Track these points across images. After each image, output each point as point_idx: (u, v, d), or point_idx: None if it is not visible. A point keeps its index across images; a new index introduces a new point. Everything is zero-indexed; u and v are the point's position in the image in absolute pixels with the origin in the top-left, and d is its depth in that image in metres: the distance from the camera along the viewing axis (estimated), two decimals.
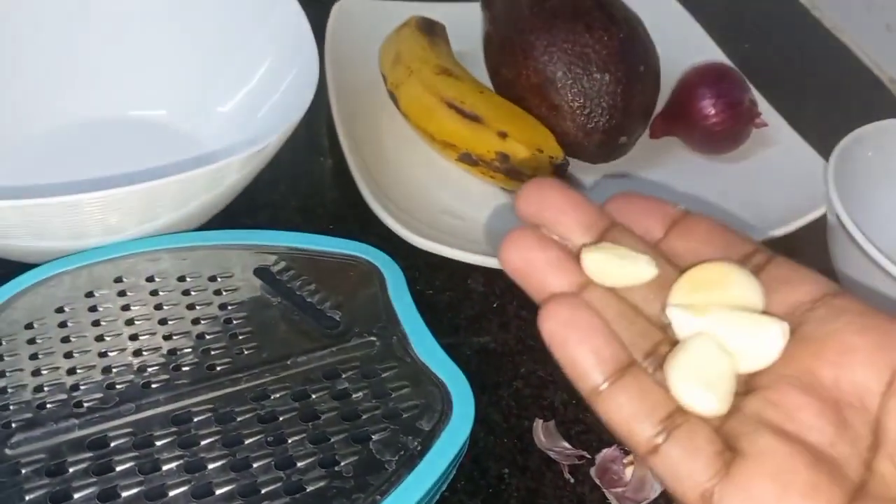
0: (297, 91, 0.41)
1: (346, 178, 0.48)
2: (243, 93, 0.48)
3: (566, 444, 0.37)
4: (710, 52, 0.60)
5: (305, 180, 0.51)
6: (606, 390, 0.21)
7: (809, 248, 0.49)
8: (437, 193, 0.49)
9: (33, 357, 0.33)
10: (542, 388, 0.40)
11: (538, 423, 0.38)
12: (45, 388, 0.32)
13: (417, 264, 0.45)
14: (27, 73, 0.49)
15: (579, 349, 0.22)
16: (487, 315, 0.44)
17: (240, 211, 0.47)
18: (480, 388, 0.40)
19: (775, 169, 0.53)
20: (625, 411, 0.21)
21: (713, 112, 0.51)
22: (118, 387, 0.32)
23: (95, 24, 0.49)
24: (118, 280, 0.37)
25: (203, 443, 0.31)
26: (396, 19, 0.56)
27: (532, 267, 0.22)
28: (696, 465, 0.20)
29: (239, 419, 0.32)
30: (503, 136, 0.47)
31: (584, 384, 0.22)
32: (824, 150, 0.52)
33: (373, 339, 0.36)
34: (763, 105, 0.54)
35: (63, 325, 0.34)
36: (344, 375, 0.34)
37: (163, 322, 0.35)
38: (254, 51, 0.47)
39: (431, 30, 0.54)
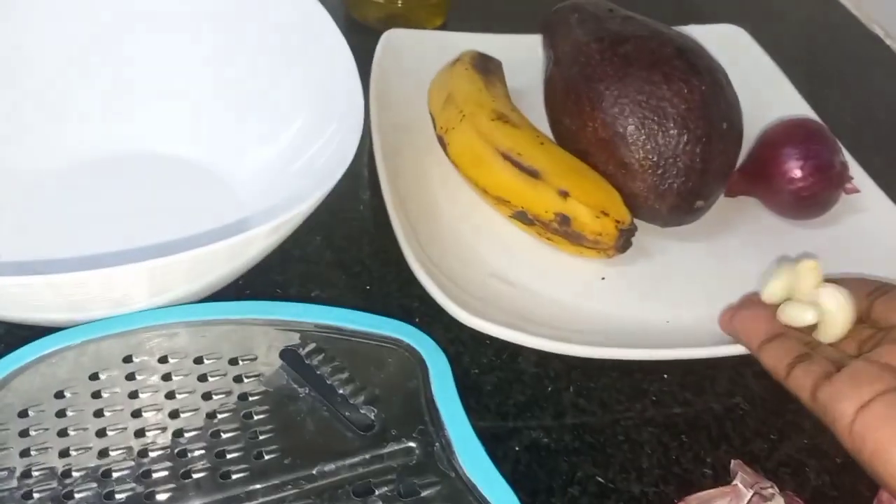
0: (338, 146, 0.37)
1: (387, 226, 0.43)
2: (280, 138, 0.43)
3: None
4: (792, 100, 0.55)
5: (342, 230, 0.46)
6: (764, 347, 0.36)
7: None
8: (487, 253, 0.44)
9: (24, 454, 0.29)
10: (602, 497, 0.35)
11: None
12: (35, 495, 0.28)
13: (462, 336, 0.41)
14: (58, 105, 0.45)
15: (746, 327, 0.38)
16: (540, 402, 0.39)
17: (270, 264, 0.42)
18: (530, 493, 0.35)
19: (866, 239, 0.47)
20: (772, 355, 0.35)
21: (800, 175, 0.45)
22: (118, 496, 0.28)
23: (125, 54, 0.46)
24: (127, 360, 0.32)
25: None
26: (448, 51, 0.52)
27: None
28: (808, 378, 0.33)
29: None
30: (564, 195, 0.42)
31: (751, 344, 0.37)
32: None
33: (412, 444, 0.31)
34: (852, 166, 0.49)
35: (62, 414, 0.30)
36: (378, 492, 0.29)
37: (174, 415, 0.31)
38: (295, 95, 0.43)
39: (487, 68, 0.50)
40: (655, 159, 0.42)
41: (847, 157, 0.48)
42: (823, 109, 0.54)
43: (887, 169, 0.51)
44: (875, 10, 0.69)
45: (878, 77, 0.65)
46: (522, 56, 0.55)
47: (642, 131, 0.42)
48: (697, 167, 0.42)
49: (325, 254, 0.45)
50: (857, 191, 0.46)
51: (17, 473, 0.28)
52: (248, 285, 0.41)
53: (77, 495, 0.28)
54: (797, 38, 0.68)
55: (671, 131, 0.42)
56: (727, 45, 0.55)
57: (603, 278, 0.44)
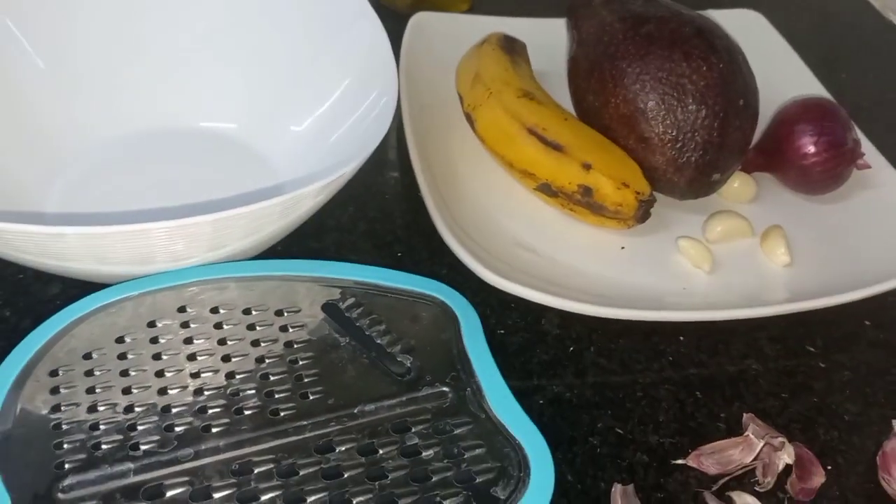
0: (376, 116, 0.39)
1: (417, 200, 0.45)
2: (317, 114, 0.46)
3: None
4: (807, 83, 0.56)
5: (375, 202, 0.49)
6: None
7: None
8: (513, 224, 0.47)
9: (90, 391, 0.32)
10: (622, 447, 0.37)
11: (616, 488, 0.35)
12: (101, 427, 0.30)
13: (489, 300, 0.43)
14: (101, 79, 0.48)
15: None
16: (562, 361, 0.41)
17: (307, 233, 0.45)
18: (554, 443, 0.37)
19: (878, 214, 0.49)
20: None
21: (813, 151, 0.47)
22: (177, 429, 0.31)
23: (170, 33, 0.48)
24: (182, 310, 0.35)
25: (263, 498, 0.29)
26: (474, 34, 0.54)
27: None
28: None
29: (301, 473, 0.30)
30: (587, 167, 0.44)
31: None
32: None
33: (445, 389, 0.33)
34: (865, 144, 0.50)
35: (122, 356, 0.33)
36: (414, 430, 0.32)
37: (226, 359, 0.33)
38: (331, 72, 0.45)
39: (512, 48, 0.52)
40: (674, 134, 0.44)
41: (860, 135, 0.50)
42: (838, 91, 0.56)
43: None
44: None
45: (893, 61, 0.66)
46: (545, 39, 0.56)
47: (662, 107, 0.44)
48: (715, 142, 0.44)
49: (359, 224, 0.47)
50: (868, 166, 0.48)
51: (84, 408, 0.31)
52: (287, 252, 0.44)
53: (140, 427, 0.31)
54: (814, 24, 0.70)
55: (690, 107, 0.44)
56: (745, 28, 0.57)
57: (623, 248, 0.46)
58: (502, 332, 0.42)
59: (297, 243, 0.44)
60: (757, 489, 0.36)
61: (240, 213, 0.31)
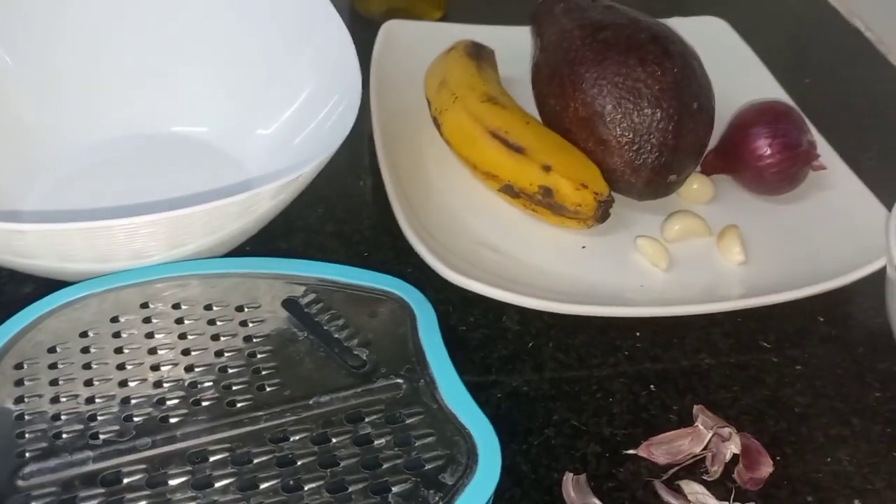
0: (338, 119, 0.40)
1: (385, 202, 0.47)
2: (284, 116, 0.47)
3: (597, 501, 0.36)
4: (769, 87, 0.58)
5: (343, 203, 0.50)
6: None
7: (864, 300, 0.46)
8: (476, 224, 0.48)
9: (53, 383, 0.33)
10: (575, 438, 0.39)
11: (568, 477, 0.36)
12: (63, 417, 0.31)
13: (451, 298, 0.44)
14: (72, 85, 0.49)
15: None
16: (521, 356, 0.42)
17: (275, 233, 0.46)
18: (509, 434, 0.38)
19: (832, 214, 0.50)
20: None
21: (768, 153, 0.48)
22: (136, 419, 0.32)
23: (142, 40, 0.49)
24: (144, 306, 0.36)
25: (217, 485, 0.30)
26: (444, 42, 0.55)
27: None
28: None
29: (256, 461, 0.31)
30: (547, 169, 0.46)
31: None
32: (886, 197, 0.49)
33: (399, 381, 0.34)
34: (823, 146, 0.52)
35: (86, 350, 0.34)
36: (367, 419, 0.33)
37: (186, 353, 0.34)
38: (297, 74, 0.47)
39: (479, 55, 0.53)
40: (631, 136, 0.45)
41: (819, 137, 0.51)
42: (801, 96, 0.57)
43: (861, 150, 0.55)
44: (856, 4, 0.72)
45: (858, 67, 0.68)
46: (515, 47, 0.58)
47: (619, 110, 0.45)
48: (669, 144, 0.45)
49: (327, 225, 0.48)
50: (823, 167, 0.49)
51: (47, 399, 0.32)
52: (256, 251, 0.45)
53: (100, 417, 0.32)
54: (780, 31, 0.71)
55: (645, 110, 0.45)
56: (709, 35, 0.58)
57: (583, 247, 0.47)
58: (464, 328, 0.43)
59: (266, 243, 0.45)
60: (705, 478, 0.37)
61: (195, 212, 0.32)
